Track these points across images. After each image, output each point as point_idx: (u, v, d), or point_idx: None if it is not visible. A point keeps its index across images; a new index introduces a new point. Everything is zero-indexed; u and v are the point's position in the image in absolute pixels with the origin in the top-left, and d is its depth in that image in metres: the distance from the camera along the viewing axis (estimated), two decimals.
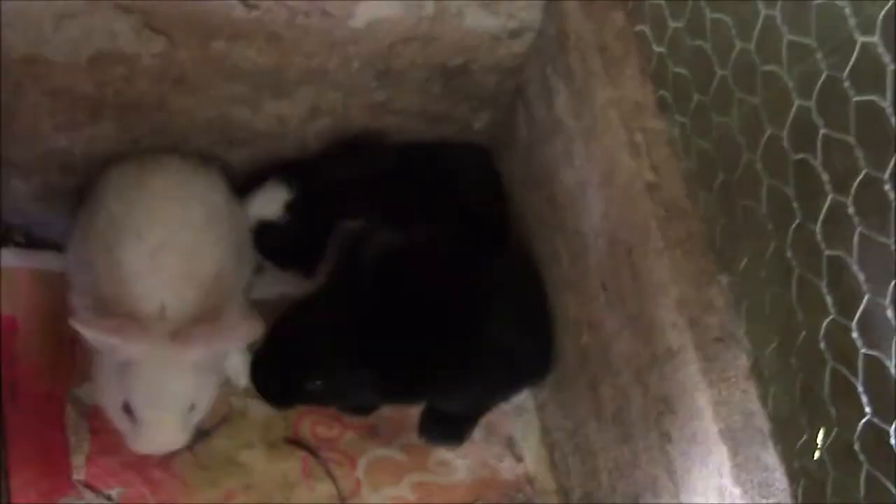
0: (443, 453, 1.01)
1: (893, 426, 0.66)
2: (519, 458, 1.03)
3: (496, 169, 1.06)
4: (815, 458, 0.76)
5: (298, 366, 0.89)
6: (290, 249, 1.01)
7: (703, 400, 0.66)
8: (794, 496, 0.65)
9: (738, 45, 0.79)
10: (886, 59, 0.64)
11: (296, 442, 1.00)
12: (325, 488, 0.99)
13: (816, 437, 0.76)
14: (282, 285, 1.04)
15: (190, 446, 0.98)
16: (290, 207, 0.97)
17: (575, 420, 0.93)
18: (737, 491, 0.63)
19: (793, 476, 0.66)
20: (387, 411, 1.03)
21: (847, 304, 0.72)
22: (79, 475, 0.94)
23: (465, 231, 1.01)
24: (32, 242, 1.02)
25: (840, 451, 0.74)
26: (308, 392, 0.90)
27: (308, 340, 0.89)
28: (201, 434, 0.99)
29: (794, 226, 0.75)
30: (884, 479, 0.68)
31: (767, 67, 0.76)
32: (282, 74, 0.88)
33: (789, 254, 0.76)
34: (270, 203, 0.97)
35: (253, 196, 0.98)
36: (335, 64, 0.88)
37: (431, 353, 0.88)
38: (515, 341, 0.92)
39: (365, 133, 1.00)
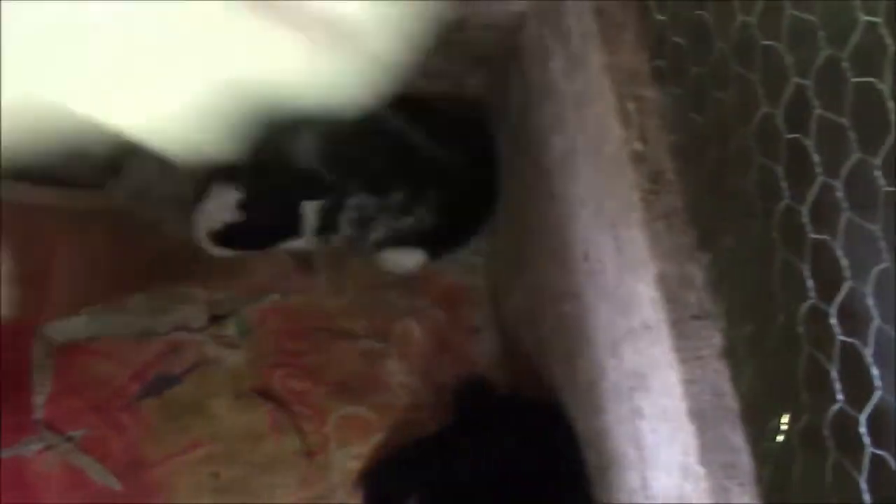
0: (413, 413, 1.01)
1: (863, 415, 0.65)
2: None
3: (490, 129, 1.04)
4: (779, 441, 0.75)
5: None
6: (257, 238, 0.99)
7: (674, 377, 0.65)
8: (760, 479, 0.64)
9: (740, 18, 0.77)
10: (888, 40, 0.62)
11: (265, 393, 0.99)
12: (291, 442, 0.98)
13: (781, 420, 0.76)
14: None
15: (157, 392, 0.97)
16: (243, 205, 0.95)
17: (549, 390, 0.92)
18: (701, 470, 0.62)
19: (759, 459, 0.65)
20: (359, 367, 1.02)
21: (828, 290, 0.71)
22: (39, 414, 0.93)
23: (453, 196, 1.00)
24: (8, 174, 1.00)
25: (809, 437, 0.74)
26: None
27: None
28: (170, 380, 0.98)
29: (781, 207, 0.74)
30: (850, 468, 0.67)
31: (767, 43, 0.74)
32: None
33: (774, 235, 0.75)
34: (222, 209, 0.95)
35: (202, 208, 0.96)
36: None
37: None
38: None
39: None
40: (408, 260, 1.04)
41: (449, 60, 0.96)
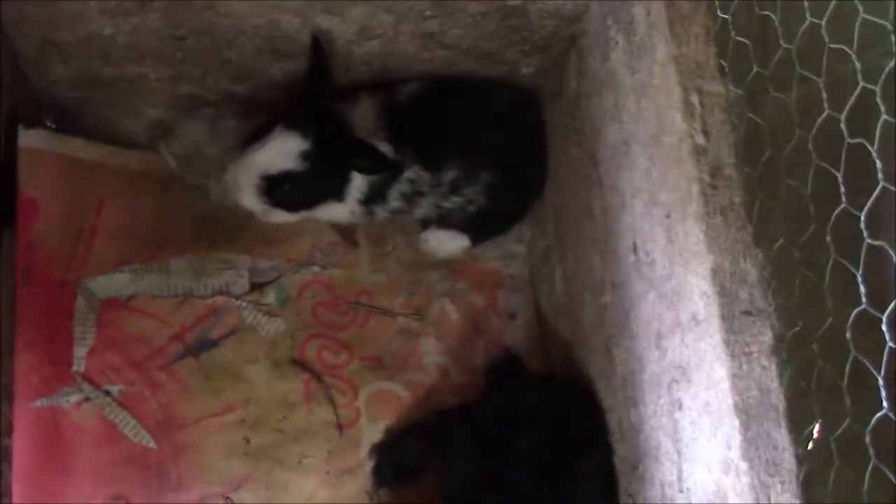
0: (444, 395, 1.01)
1: None
2: None
3: (542, 116, 1.04)
4: (808, 448, 0.75)
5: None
6: (306, 195, 0.96)
7: (721, 371, 0.65)
8: (800, 478, 0.64)
9: (809, 19, 0.77)
10: None
11: (301, 363, 1.00)
12: (323, 413, 0.99)
13: (813, 429, 0.76)
14: None
15: (195, 354, 0.98)
16: (306, 156, 0.91)
17: (584, 379, 0.92)
18: (744, 465, 0.63)
19: (800, 458, 0.65)
20: (395, 344, 1.02)
21: (880, 297, 0.70)
22: (79, 367, 0.94)
23: (504, 181, 0.99)
24: (62, 128, 1.01)
25: (849, 442, 0.73)
26: None
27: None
28: (209, 343, 0.99)
29: (838, 211, 0.73)
30: (890, 475, 0.67)
31: (836, 46, 0.74)
32: None
33: (829, 238, 0.74)
34: (283, 155, 0.91)
35: (261, 150, 0.91)
36: None
37: None
38: None
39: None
40: (451, 243, 1.04)
41: (507, 45, 0.96)
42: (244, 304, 1.00)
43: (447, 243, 1.04)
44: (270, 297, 1.01)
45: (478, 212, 1.00)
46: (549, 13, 0.90)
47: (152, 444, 0.94)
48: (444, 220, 1.02)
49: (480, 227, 1.04)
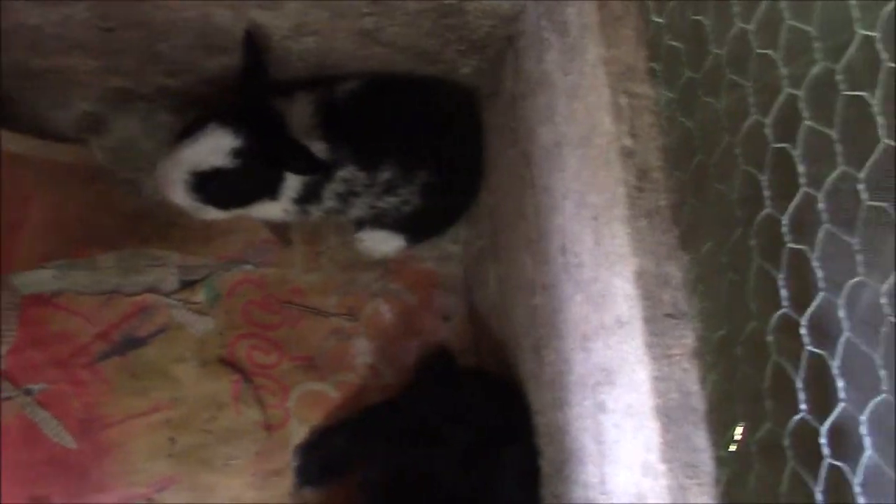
0: (376, 395, 1.00)
1: (825, 426, 0.66)
2: None
3: (480, 117, 1.03)
4: (731, 450, 0.76)
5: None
6: (236, 192, 0.93)
7: (643, 373, 0.65)
8: (719, 481, 0.64)
9: (738, 25, 0.77)
10: (884, 55, 0.62)
11: (231, 363, 0.98)
12: (252, 414, 0.97)
13: (734, 431, 0.76)
14: None
15: (121, 353, 0.96)
16: (238, 153, 0.89)
17: (514, 381, 0.92)
18: (663, 468, 0.63)
19: (720, 461, 0.65)
20: (327, 345, 1.01)
21: (801, 301, 0.71)
22: (0, 364, 0.91)
23: (440, 181, 0.99)
24: None
25: (769, 445, 0.74)
26: None
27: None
28: (136, 341, 0.97)
29: (762, 215, 0.74)
30: (807, 477, 0.68)
31: (763, 51, 0.75)
32: None
33: (753, 242, 0.75)
34: (214, 151, 0.89)
35: (192, 145, 0.89)
36: None
37: None
38: None
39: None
40: (386, 243, 1.04)
41: (444, 44, 0.95)
42: (173, 302, 0.98)
43: (382, 243, 1.04)
44: (200, 295, 1.00)
45: (413, 212, 0.99)
46: (486, 13, 0.89)
47: (73, 445, 0.91)
48: (379, 221, 1.01)
49: (416, 228, 1.04)
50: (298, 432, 0.97)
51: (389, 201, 0.98)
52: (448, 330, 1.05)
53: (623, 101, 0.71)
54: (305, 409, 0.99)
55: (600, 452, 0.72)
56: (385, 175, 0.96)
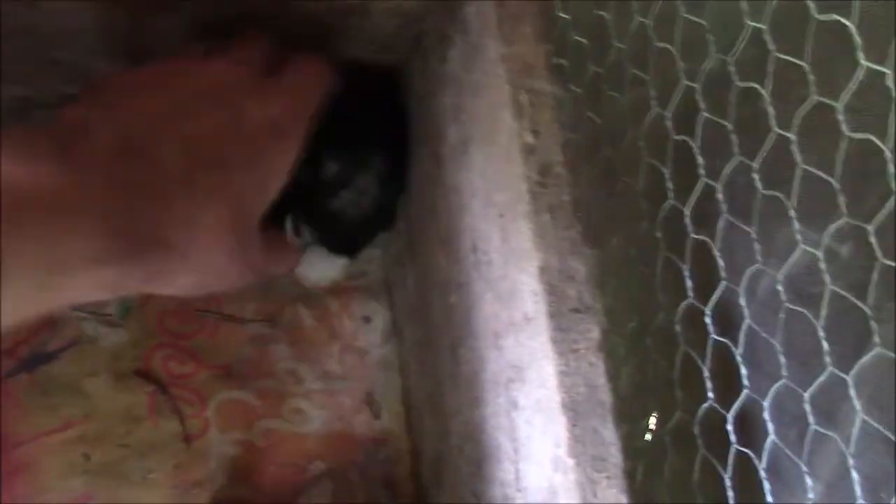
0: (298, 401, 0.99)
1: (731, 413, 0.67)
2: (376, 416, 1.02)
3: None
4: (647, 440, 0.77)
5: None
6: None
7: (550, 368, 0.65)
8: (629, 473, 0.65)
9: (637, 19, 0.78)
10: (772, 46, 0.63)
11: (145, 375, 0.96)
12: (171, 426, 0.95)
13: (649, 421, 0.77)
14: None
15: (30, 369, 0.93)
16: None
17: (433, 381, 0.91)
18: (570, 462, 0.63)
19: (630, 453, 0.66)
20: (246, 352, 0.99)
21: (707, 291, 0.72)
22: None
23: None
24: None
25: (680, 435, 0.75)
26: None
27: None
28: (45, 357, 0.94)
29: (666, 206, 0.75)
30: (717, 465, 0.69)
31: (661, 45, 0.76)
32: None
33: (658, 234, 0.76)
34: None
35: None
36: None
37: None
38: None
39: None
40: (331, 267, 0.99)
41: (355, 47, 0.94)
42: (83, 314, 0.96)
43: (327, 268, 0.98)
44: (112, 306, 0.97)
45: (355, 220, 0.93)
46: (392, 11, 0.89)
47: None
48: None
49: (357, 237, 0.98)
50: (218, 442, 0.96)
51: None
52: (369, 332, 1.04)
53: (523, 98, 0.71)
54: (226, 417, 0.97)
55: (514, 450, 0.72)
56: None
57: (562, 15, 0.89)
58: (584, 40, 0.87)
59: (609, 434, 0.64)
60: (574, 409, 0.64)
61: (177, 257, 0.66)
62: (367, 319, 1.05)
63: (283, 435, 0.97)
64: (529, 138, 0.70)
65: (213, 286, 0.72)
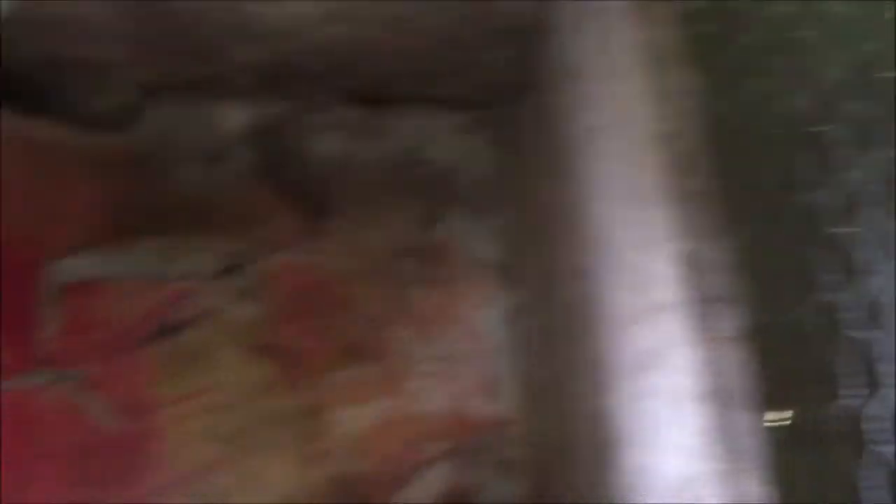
0: (417, 382, 1.00)
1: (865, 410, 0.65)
2: (495, 399, 1.02)
3: None
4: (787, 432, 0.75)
5: None
6: None
7: (688, 357, 0.65)
8: (766, 465, 0.64)
9: (775, 8, 0.76)
10: None
11: (272, 349, 0.99)
12: (294, 398, 0.97)
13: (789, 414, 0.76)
14: None
15: (165, 337, 0.97)
16: None
17: (554, 367, 0.92)
18: (708, 452, 0.62)
19: (766, 445, 0.65)
20: (367, 331, 1.01)
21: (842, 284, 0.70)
22: (45, 349, 0.93)
23: None
24: (28, 110, 0.99)
25: (812, 429, 0.73)
26: None
27: None
28: (178, 326, 0.98)
29: (806, 198, 0.73)
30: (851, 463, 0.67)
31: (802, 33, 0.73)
32: None
33: (796, 225, 0.75)
34: None
35: None
36: None
37: None
38: None
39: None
40: None
41: (473, 31, 0.94)
42: (216, 287, 0.99)
43: None
44: (244, 280, 1.00)
45: None
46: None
47: (116, 428, 0.92)
48: None
49: None
50: (339, 417, 0.98)
51: None
52: (488, 320, 1.05)
53: (660, 85, 0.70)
54: (346, 393, 0.99)
55: (645, 437, 0.72)
56: None
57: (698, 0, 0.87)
58: (720, 28, 0.85)
59: (749, 425, 0.64)
60: (713, 398, 0.63)
61: None
62: (487, 304, 1.06)
63: (402, 414, 0.99)
64: (669, 126, 0.70)
65: None
